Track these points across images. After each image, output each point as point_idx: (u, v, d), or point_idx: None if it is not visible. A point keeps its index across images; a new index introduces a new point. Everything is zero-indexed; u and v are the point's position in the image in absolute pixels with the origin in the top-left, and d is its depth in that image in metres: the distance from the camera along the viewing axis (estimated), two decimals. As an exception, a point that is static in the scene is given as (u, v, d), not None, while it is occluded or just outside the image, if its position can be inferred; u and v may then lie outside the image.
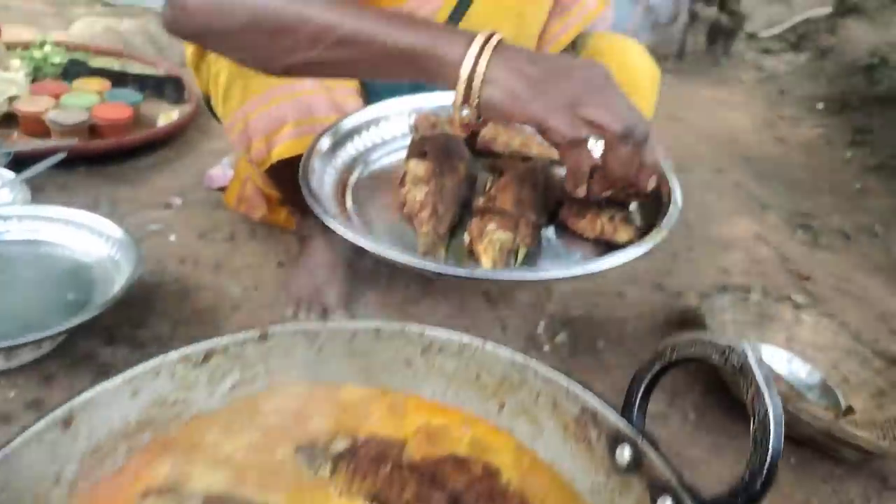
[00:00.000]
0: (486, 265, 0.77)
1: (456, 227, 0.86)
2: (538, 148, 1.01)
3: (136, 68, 2.39)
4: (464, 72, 0.73)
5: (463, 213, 0.88)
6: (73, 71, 2.28)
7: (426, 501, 0.54)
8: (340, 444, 0.58)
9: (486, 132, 1.02)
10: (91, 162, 1.98)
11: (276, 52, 0.80)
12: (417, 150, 0.92)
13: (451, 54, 0.74)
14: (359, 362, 0.65)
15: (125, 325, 1.40)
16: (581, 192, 0.95)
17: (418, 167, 0.88)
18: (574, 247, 0.88)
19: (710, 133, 3.08)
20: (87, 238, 1.43)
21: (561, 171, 0.98)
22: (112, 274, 1.38)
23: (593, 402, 0.57)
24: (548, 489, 0.57)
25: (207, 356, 0.60)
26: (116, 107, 2.08)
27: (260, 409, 0.61)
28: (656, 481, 0.51)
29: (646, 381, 0.54)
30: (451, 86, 0.74)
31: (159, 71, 2.42)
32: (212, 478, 0.55)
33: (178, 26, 0.86)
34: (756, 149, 3.02)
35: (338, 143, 0.98)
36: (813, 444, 1.35)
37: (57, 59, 2.28)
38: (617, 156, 0.75)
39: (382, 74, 0.83)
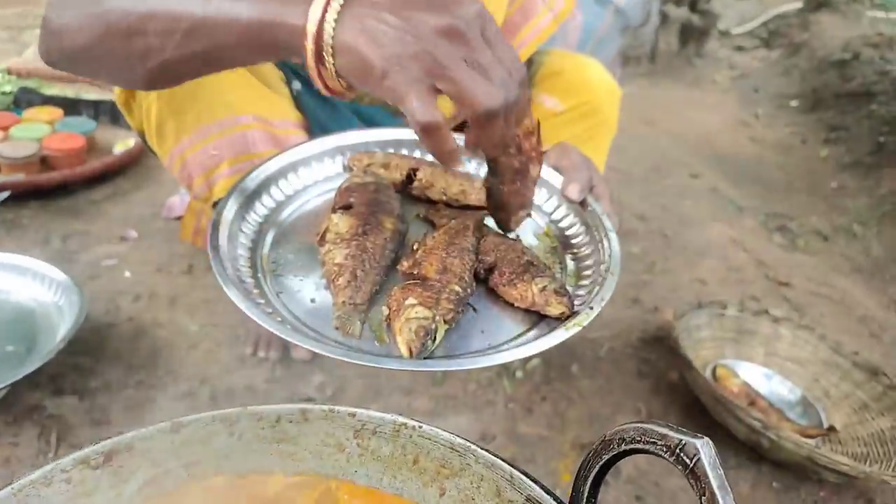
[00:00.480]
0: (402, 350, 0.70)
1: (378, 293, 0.79)
2: (477, 195, 0.95)
3: (91, 94, 2.31)
4: (309, 39, 0.65)
5: (387, 277, 0.82)
6: (24, 99, 2.21)
7: None
8: None
9: (423, 176, 0.96)
10: (42, 196, 1.91)
11: (133, 59, 0.75)
12: (343, 201, 0.86)
13: (294, 18, 0.65)
14: (285, 449, 0.59)
15: (73, 374, 1.34)
16: (514, 225, 0.89)
17: (341, 222, 0.81)
18: (504, 316, 0.81)
19: (685, 136, 3.05)
20: (29, 284, 1.36)
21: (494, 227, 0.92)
22: (56, 320, 1.32)
23: (538, 492, 0.51)
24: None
25: (109, 457, 0.54)
26: (69, 137, 2.00)
27: (172, 510, 0.55)
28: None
29: (595, 472, 0.48)
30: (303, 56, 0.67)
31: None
32: None
33: (51, 54, 0.82)
34: (731, 150, 2.99)
35: (265, 184, 0.91)
36: (796, 469, 1.30)
37: (7, 88, 2.20)
38: (487, 134, 0.67)
39: (241, 60, 0.76)
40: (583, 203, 0.95)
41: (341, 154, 0.99)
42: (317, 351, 0.68)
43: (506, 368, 1.48)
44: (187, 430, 0.57)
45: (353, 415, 0.58)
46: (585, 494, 0.49)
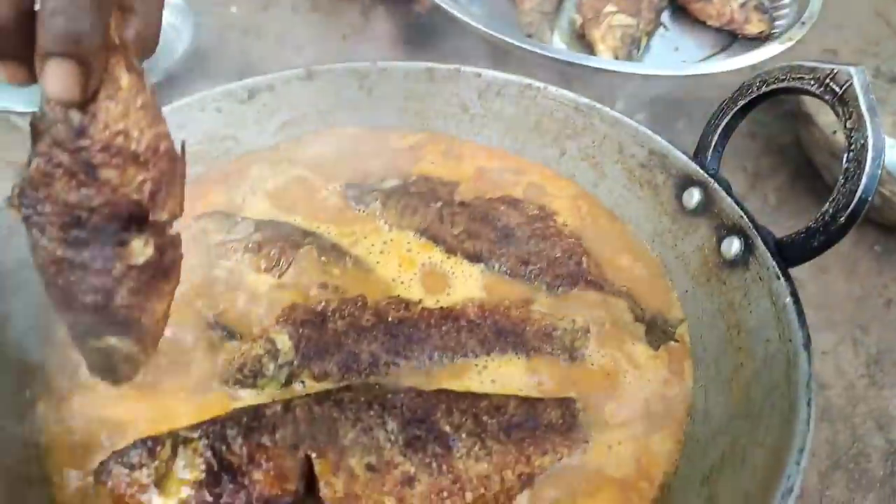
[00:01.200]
0: (606, 55, 0.68)
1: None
2: None
3: None
4: None
5: None
6: None
7: (476, 237, 0.52)
8: (391, 182, 0.56)
9: None
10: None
11: None
12: None
13: None
14: (412, 106, 0.61)
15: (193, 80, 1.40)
16: None
17: None
18: (695, 34, 0.77)
19: None
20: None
21: None
22: (172, 43, 1.35)
23: (662, 144, 0.52)
24: (607, 233, 0.54)
25: (252, 93, 0.58)
26: None
27: (308, 148, 0.60)
28: (725, 223, 0.47)
29: (726, 120, 0.48)
30: None
31: None
32: (261, 207, 0.55)
33: None
34: None
35: None
36: (902, 233, 1.26)
37: None
38: None
39: None
40: None
41: None
42: (532, 50, 0.66)
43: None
44: (321, 78, 0.59)
45: (479, 75, 0.59)
46: (713, 143, 0.49)
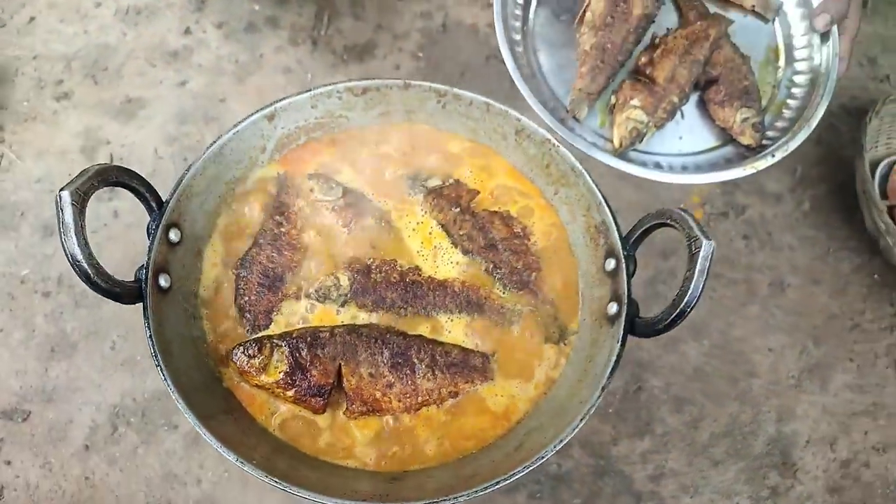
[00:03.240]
0: (615, 139, 0.89)
1: (613, 78, 0.94)
2: None
3: None
4: None
5: (623, 67, 0.95)
6: None
7: (472, 240, 0.81)
8: (434, 182, 0.84)
9: None
10: None
11: None
12: None
13: None
14: (470, 124, 0.87)
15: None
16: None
17: (598, 4, 0.93)
18: (703, 128, 0.95)
19: None
20: None
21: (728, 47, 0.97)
22: None
23: (609, 220, 0.76)
24: (560, 259, 0.82)
25: (365, 90, 0.84)
26: None
27: (393, 135, 0.87)
28: (616, 290, 0.74)
29: (640, 230, 0.72)
30: None
31: None
32: (351, 176, 0.85)
33: None
34: None
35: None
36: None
37: None
38: None
39: None
40: (825, 34, 0.97)
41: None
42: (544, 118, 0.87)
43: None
44: (413, 89, 0.85)
45: (519, 119, 0.83)
46: (635, 237, 0.74)
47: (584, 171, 0.79)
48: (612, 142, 0.91)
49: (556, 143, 0.81)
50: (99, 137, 1.32)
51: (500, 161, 0.87)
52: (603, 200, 0.77)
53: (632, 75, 0.94)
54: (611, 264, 0.76)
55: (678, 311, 0.65)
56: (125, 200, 1.25)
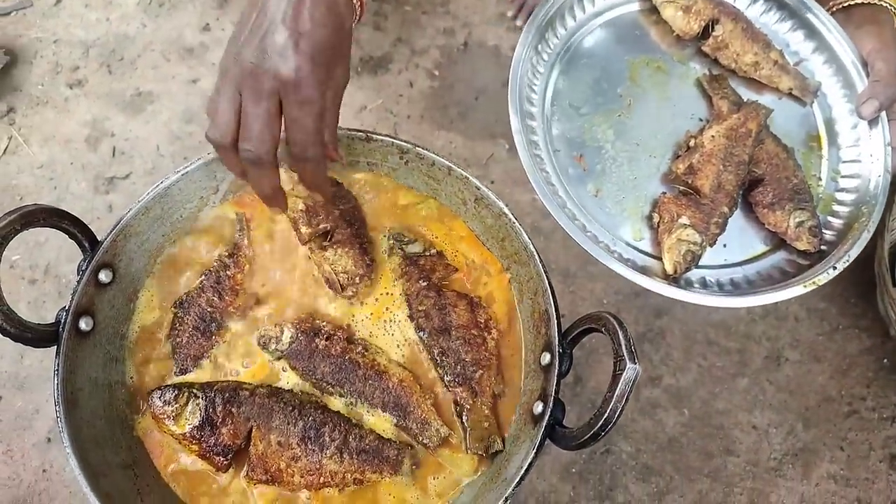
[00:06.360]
0: (668, 266, 0.79)
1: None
2: (768, 71, 0.89)
3: None
4: None
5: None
6: None
7: (428, 318, 0.78)
8: (414, 248, 0.82)
9: (721, 33, 0.90)
10: None
11: None
12: None
13: None
14: (431, 184, 0.83)
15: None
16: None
17: None
18: (749, 232, 0.86)
19: None
20: None
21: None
22: None
23: (552, 311, 0.73)
24: (512, 351, 0.79)
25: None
26: None
27: (356, 189, 0.85)
28: (545, 388, 0.70)
29: (575, 333, 0.69)
30: None
31: None
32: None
33: None
34: None
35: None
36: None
37: None
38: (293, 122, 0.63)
39: None
40: (873, 120, 0.89)
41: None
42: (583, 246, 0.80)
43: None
44: (377, 142, 0.82)
45: (478, 188, 0.79)
46: (571, 338, 0.70)
47: (535, 252, 0.75)
48: (660, 260, 0.82)
49: (512, 219, 0.77)
50: (104, 129, 1.34)
51: (459, 221, 0.84)
52: (549, 288, 0.73)
53: (671, 187, 0.85)
54: (545, 358, 0.72)
55: (593, 432, 0.62)
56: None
